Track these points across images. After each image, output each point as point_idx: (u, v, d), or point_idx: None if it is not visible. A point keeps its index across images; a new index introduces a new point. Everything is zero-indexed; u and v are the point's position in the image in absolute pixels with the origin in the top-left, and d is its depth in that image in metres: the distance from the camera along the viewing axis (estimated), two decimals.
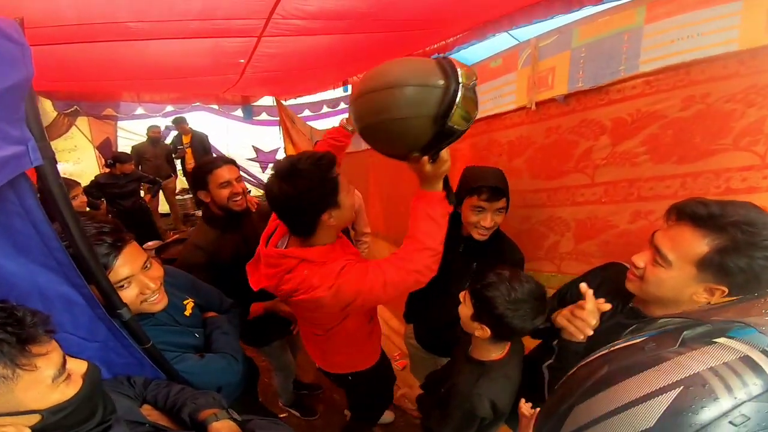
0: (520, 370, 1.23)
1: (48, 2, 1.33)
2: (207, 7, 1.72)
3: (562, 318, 1.06)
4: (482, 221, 1.46)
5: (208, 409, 1.02)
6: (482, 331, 1.14)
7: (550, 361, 1.14)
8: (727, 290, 0.86)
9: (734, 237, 0.82)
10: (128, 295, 1.05)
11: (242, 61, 2.41)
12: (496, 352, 1.21)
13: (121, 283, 1.03)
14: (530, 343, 1.36)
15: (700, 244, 0.86)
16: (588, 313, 0.99)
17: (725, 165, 1.16)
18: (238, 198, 1.70)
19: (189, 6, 1.65)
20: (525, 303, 1.07)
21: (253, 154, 6.58)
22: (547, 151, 1.65)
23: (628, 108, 1.34)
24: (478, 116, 2.04)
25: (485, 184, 1.44)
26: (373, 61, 3.60)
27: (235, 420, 1.02)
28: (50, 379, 0.70)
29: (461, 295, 1.23)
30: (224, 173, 1.67)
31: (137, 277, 1.07)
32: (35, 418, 0.69)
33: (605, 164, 1.46)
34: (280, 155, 5.95)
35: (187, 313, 1.32)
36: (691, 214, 0.89)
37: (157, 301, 1.13)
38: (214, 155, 5.46)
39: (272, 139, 5.86)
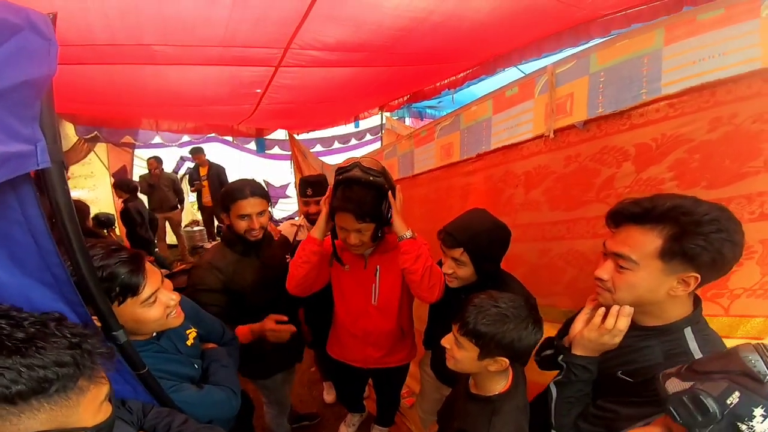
0: (525, 395, 1.15)
1: (81, 21, 1.37)
2: (228, 34, 1.77)
3: (590, 330, 1.01)
4: (444, 266, 1.45)
5: None
6: (498, 365, 1.06)
7: (557, 378, 1.08)
8: (699, 276, 0.86)
9: (678, 221, 0.85)
10: (155, 312, 1.04)
11: (259, 91, 2.47)
12: (501, 383, 1.12)
13: (151, 299, 1.02)
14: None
15: (652, 239, 0.88)
16: (618, 331, 0.98)
17: (758, 189, 1.10)
18: (254, 232, 1.67)
19: (211, 32, 1.70)
20: (524, 314, 1.04)
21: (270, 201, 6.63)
22: (566, 180, 1.60)
23: (652, 132, 1.30)
24: (493, 147, 2.07)
25: (445, 229, 1.43)
26: (384, 96, 3.70)
27: None
28: (104, 396, 0.72)
29: (447, 341, 1.14)
30: (247, 207, 1.64)
31: (162, 291, 1.06)
32: None
33: (629, 192, 1.39)
34: (290, 191, 6.00)
35: (189, 342, 1.27)
36: (629, 215, 0.92)
37: (178, 315, 1.12)
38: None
39: (283, 174, 5.95)
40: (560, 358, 1.08)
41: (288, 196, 6.28)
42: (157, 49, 1.72)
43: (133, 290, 0.99)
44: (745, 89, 1.10)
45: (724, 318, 1.17)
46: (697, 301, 0.97)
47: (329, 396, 2.85)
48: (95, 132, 3.21)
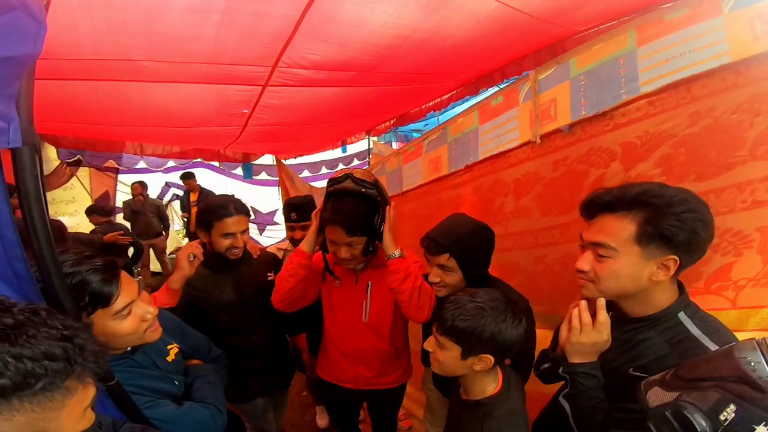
0: (524, 403, 1.10)
1: (69, 33, 1.36)
2: (216, 51, 1.79)
3: (575, 335, 0.98)
4: (430, 275, 1.41)
5: None
6: (483, 363, 1.02)
7: (565, 391, 1.03)
8: (677, 258, 0.87)
9: (650, 204, 0.86)
10: (128, 325, 0.97)
11: (246, 111, 2.47)
12: (491, 386, 1.07)
13: (124, 311, 0.95)
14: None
15: (627, 224, 0.89)
16: (600, 325, 0.95)
17: (747, 177, 1.12)
18: (236, 250, 1.63)
19: (199, 47, 1.71)
20: (502, 307, 1.02)
21: (251, 216, 6.55)
22: (556, 184, 1.61)
23: (635, 131, 1.33)
24: (481, 157, 2.09)
25: (428, 235, 1.40)
26: (371, 118, 3.76)
27: None
28: (90, 401, 0.64)
29: (429, 344, 1.10)
30: (232, 225, 1.60)
31: (137, 303, 0.99)
32: None
33: None
34: (278, 217, 5.94)
35: (170, 358, 1.20)
36: (601, 204, 0.94)
37: (155, 329, 1.05)
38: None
39: (271, 200, 5.89)
40: (560, 370, 1.03)
41: (276, 223, 6.18)
42: (144, 64, 1.73)
43: (104, 301, 0.91)
44: (719, 82, 1.15)
45: (732, 311, 1.15)
46: (681, 287, 0.96)
47: (322, 420, 2.70)
48: (78, 156, 3.15)
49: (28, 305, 0.61)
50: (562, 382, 1.20)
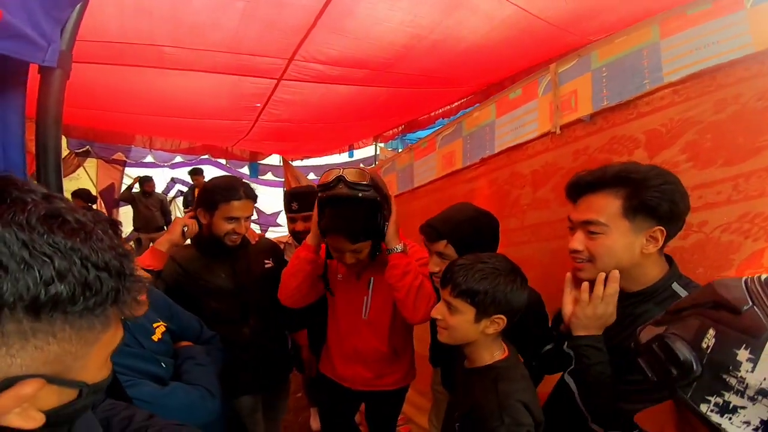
0: (530, 377, 1.09)
1: (97, 14, 1.36)
2: (236, 40, 1.80)
3: (582, 308, 1.00)
4: (429, 264, 1.36)
5: None
6: (496, 325, 1.02)
7: (571, 368, 1.02)
8: (663, 229, 0.91)
9: (630, 180, 0.92)
10: None
11: (258, 105, 2.48)
12: (498, 351, 1.07)
13: None
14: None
15: (612, 200, 0.93)
16: (609, 297, 0.98)
17: None
18: (236, 237, 1.55)
19: (220, 35, 1.73)
20: (512, 268, 1.04)
21: (255, 216, 6.50)
22: (568, 180, 1.61)
23: (660, 119, 1.33)
24: (497, 150, 2.08)
25: (427, 222, 1.35)
26: (380, 122, 3.79)
27: None
28: (115, 346, 0.52)
29: (437, 311, 1.07)
30: (238, 209, 1.51)
31: None
32: (69, 395, 0.46)
33: None
34: (281, 219, 5.91)
35: (156, 337, 1.13)
36: (585, 185, 0.99)
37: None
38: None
39: (275, 201, 5.83)
40: (565, 345, 1.03)
41: (279, 224, 6.10)
42: (166, 50, 1.73)
43: None
44: (743, 72, 1.16)
45: None
46: (670, 261, 1.00)
47: (316, 423, 2.59)
48: (87, 146, 3.13)
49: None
50: (560, 373, 1.18)
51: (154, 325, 1.15)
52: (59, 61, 0.67)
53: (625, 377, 0.95)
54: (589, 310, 0.98)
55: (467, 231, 1.31)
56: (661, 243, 0.93)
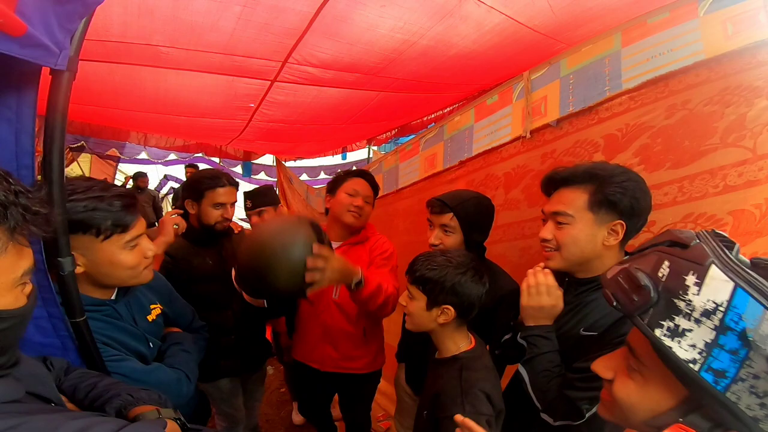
0: (495, 367, 1.14)
1: (101, 14, 1.46)
2: (232, 42, 1.91)
3: (525, 299, 1.09)
4: (430, 238, 1.47)
5: (150, 405, 0.81)
6: (446, 315, 1.07)
7: (524, 358, 1.09)
8: (623, 223, 0.99)
9: (597, 176, 1.00)
10: (132, 258, 0.99)
11: (252, 105, 2.58)
12: (464, 342, 1.13)
13: (134, 242, 0.99)
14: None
15: (580, 194, 1.02)
16: (543, 286, 1.07)
17: (719, 163, 1.20)
18: (226, 222, 1.66)
19: (216, 37, 1.84)
20: (467, 263, 1.10)
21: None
22: (543, 176, 1.70)
23: (617, 124, 1.43)
24: (474, 153, 2.18)
25: (434, 197, 1.49)
26: (373, 125, 3.90)
27: (182, 425, 0.81)
28: (21, 272, 0.56)
29: (403, 297, 1.17)
30: (223, 195, 1.63)
31: (144, 238, 1.03)
32: None
33: None
34: None
35: (151, 318, 1.19)
36: (559, 180, 1.09)
37: (149, 270, 1.07)
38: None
39: None
40: (518, 336, 1.10)
41: None
42: (163, 50, 1.84)
43: (123, 226, 0.95)
44: (693, 78, 1.25)
45: None
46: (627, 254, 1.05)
47: (297, 417, 2.64)
48: (82, 141, 3.23)
49: None
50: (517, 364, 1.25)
51: (152, 306, 1.20)
52: (68, 65, 0.77)
53: (573, 365, 1.00)
54: (532, 300, 1.06)
55: (471, 208, 1.44)
56: (621, 236, 1.00)
